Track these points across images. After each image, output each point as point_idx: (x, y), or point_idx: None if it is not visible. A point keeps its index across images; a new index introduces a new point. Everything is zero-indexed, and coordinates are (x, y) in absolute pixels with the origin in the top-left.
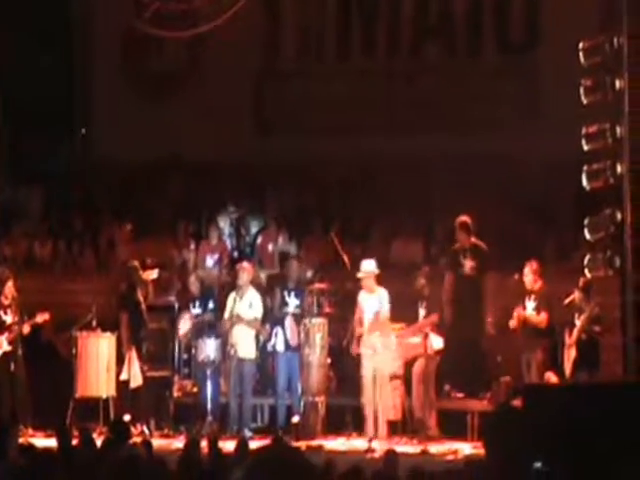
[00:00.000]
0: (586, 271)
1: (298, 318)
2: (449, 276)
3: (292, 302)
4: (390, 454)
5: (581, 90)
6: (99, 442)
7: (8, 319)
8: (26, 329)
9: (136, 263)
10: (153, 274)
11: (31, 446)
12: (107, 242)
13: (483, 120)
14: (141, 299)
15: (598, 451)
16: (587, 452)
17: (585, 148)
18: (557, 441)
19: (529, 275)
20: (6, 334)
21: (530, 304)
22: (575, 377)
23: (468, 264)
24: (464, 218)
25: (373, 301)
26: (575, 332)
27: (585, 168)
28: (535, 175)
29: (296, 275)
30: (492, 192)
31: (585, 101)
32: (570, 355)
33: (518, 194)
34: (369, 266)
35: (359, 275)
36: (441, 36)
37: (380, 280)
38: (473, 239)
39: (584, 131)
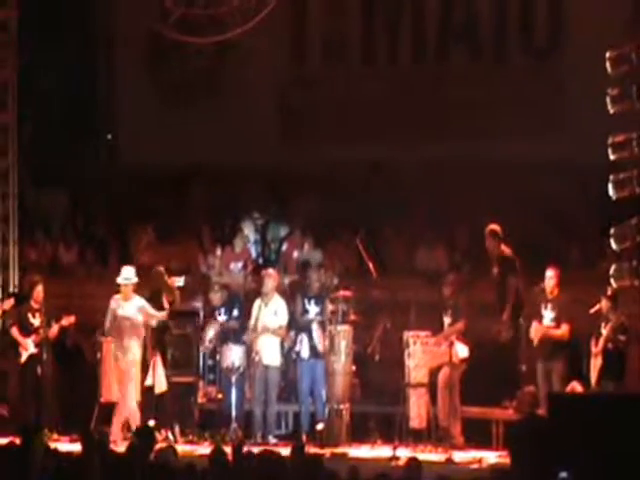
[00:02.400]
0: (612, 280)
1: (322, 325)
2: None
3: (312, 309)
4: (412, 462)
5: (607, 99)
6: (123, 448)
7: (36, 322)
8: (53, 332)
9: (162, 268)
10: (179, 281)
11: (56, 450)
12: (131, 247)
13: (507, 127)
14: (166, 304)
15: (623, 461)
16: (612, 462)
17: (611, 157)
18: (582, 451)
19: (550, 280)
20: (33, 337)
21: (548, 313)
22: (601, 387)
23: (495, 271)
24: (494, 226)
25: (129, 307)
26: (601, 341)
27: (611, 177)
28: (560, 183)
29: (316, 283)
30: (516, 199)
31: (612, 110)
32: (596, 364)
33: (542, 201)
34: (128, 273)
35: (118, 281)
36: (466, 41)
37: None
38: (503, 247)
39: (611, 140)
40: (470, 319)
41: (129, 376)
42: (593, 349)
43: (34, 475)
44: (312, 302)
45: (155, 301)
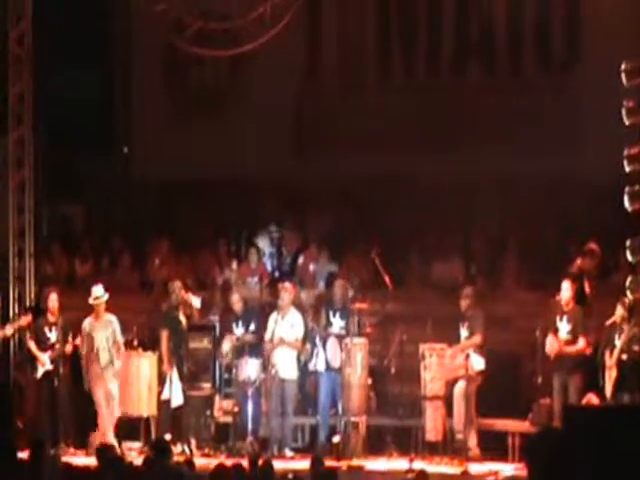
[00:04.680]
0: (627, 292)
1: (341, 339)
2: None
3: (337, 323)
4: (420, 475)
5: (623, 111)
6: (139, 461)
7: (53, 337)
8: (68, 350)
9: (179, 283)
10: (196, 302)
11: (71, 464)
12: (147, 260)
13: (523, 140)
14: (182, 318)
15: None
16: (629, 475)
17: (627, 169)
18: (599, 464)
19: (566, 292)
20: (49, 352)
21: (564, 326)
22: (616, 399)
23: (589, 288)
24: (593, 245)
25: (101, 326)
26: (615, 353)
27: (627, 189)
28: (575, 195)
29: (341, 295)
30: (531, 212)
31: (627, 122)
32: (611, 376)
33: (558, 214)
34: (98, 292)
35: (90, 301)
36: (481, 55)
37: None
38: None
39: (626, 152)
40: (486, 331)
41: (112, 394)
42: (607, 361)
43: None
44: (337, 315)
45: (171, 315)
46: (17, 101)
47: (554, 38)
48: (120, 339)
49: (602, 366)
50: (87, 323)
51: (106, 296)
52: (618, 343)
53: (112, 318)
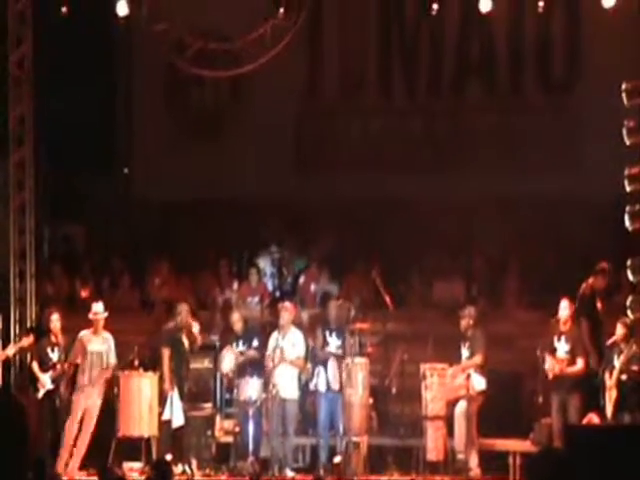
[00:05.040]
0: (629, 312)
1: (340, 359)
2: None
3: (333, 342)
4: None
5: (624, 131)
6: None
7: (55, 357)
8: (68, 371)
9: (187, 306)
10: (195, 327)
11: None
12: (148, 281)
13: (523, 160)
14: (185, 340)
15: None
16: None
17: (628, 189)
18: None
19: (564, 311)
20: (50, 372)
21: (562, 345)
22: (617, 419)
23: (600, 306)
24: (604, 264)
25: (98, 341)
26: (615, 373)
27: (628, 209)
28: (577, 215)
29: (336, 315)
30: (532, 232)
31: (628, 142)
32: (611, 396)
33: (559, 235)
34: (98, 308)
35: (90, 316)
36: (482, 75)
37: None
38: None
39: (627, 172)
40: (487, 351)
41: (95, 411)
42: (607, 381)
43: None
44: (333, 334)
45: (174, 335)
46: (18, 123)
47: (554, 58)
48: (113, 358)
49: (603, 386)
50: (84, 335)
51: (105, 314)
52: (617, 363)
53: (109, 336)
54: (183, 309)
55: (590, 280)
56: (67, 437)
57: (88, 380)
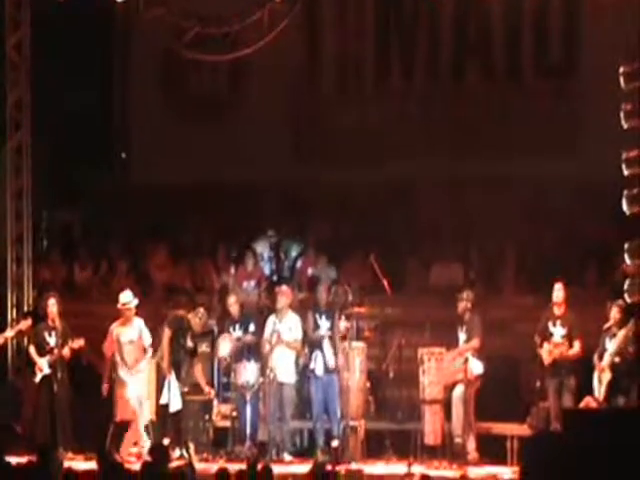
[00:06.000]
0: (625, 296)
1: (332, 341)
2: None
3: (324, 324)
4: None
5: (621, 115)
6: (138, 466)
7: (52, 341)
8: (66, 354)
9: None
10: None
11: (71, 469)
12: (146, 266)
13: (521, 144)
14: (188, 333)
15: (638, 477)
16: (627, 478)
17: (625, 173)
18: (597, 466)
19: (559, 293)
20: (48, 357)
21: (558, 330)
22: (610, 401)
23: None
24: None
25: (131, 331)
26: (607, 356)
27: (625, 193)
28: (575, 200)
29: (325, 297)
30: (531, 216)
31: (625, 126)
32: (603, 379)
33: (557, 219)
34: (127, 297)
35: (118, 306)
36: (480, 59)
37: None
38: None
39: (624, 156)
40: (484, 335)
41: (142, 398)
42: (597, 364)
43: None
44: (323, 317)
45: (181, 322)
46: (15, 108)
47: (552, 41)
48: (147, 343)
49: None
50: (114, 327)
51: (135, 302)
52: (609, 347)
53: (140, 322)
54: (203, 314)
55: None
56: (130, 431)
57: (126, 372)
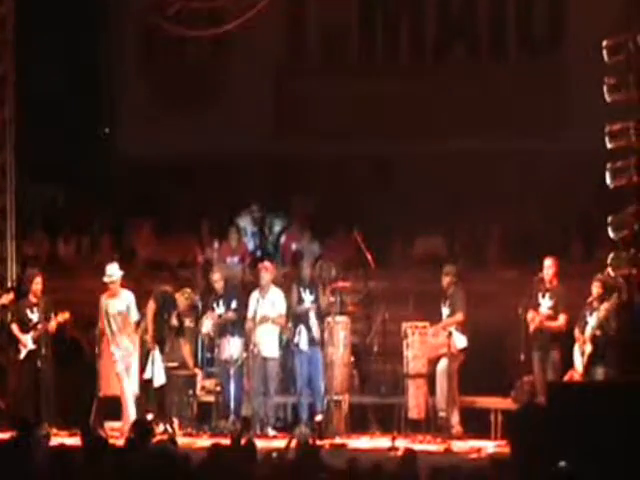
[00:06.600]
0: (609, 269)
1: (316, 315)
2: None
3: (308, 298)
4: (408, 453)
5: (605, 88)
6: (121, 441)
7: (35, 317)
8: (51, 328)
9: (167, 288)
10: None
11: (56, 445)
12: (130, 241)
13: (506, 121)
14: (175, 308)
15: (623, 449)
16: (611, 450)
17: (609, 146)
18: (581, 439)
19: (549, 270)
20: (32, 333)
21: (545, 302)
22: (590, 374)
23: None
24: None
25: (118, 303)
26: (588, 329)
27: (609, 166)
28: (561, 174)
29: (308, 272)
30: (516, 191)
31: (609, 99)
32: (585, 351)
33: (543, 192)
34: (112, 270)
35: (103, 279)
36: (465, 36)
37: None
38: None
39: (607, 129)
40: (468, 309)
41: (128, 371)
42: (578, 336)
43: (35, 468)
44: (307, 291)
45: (167, 297)
46: None
47: (537, 16)
48: (134, 315)
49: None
50: (102, 298)
51: (120, 274)
52: (590, 320)
53: (128, 294)
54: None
55: None
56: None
57: (113, 344)
